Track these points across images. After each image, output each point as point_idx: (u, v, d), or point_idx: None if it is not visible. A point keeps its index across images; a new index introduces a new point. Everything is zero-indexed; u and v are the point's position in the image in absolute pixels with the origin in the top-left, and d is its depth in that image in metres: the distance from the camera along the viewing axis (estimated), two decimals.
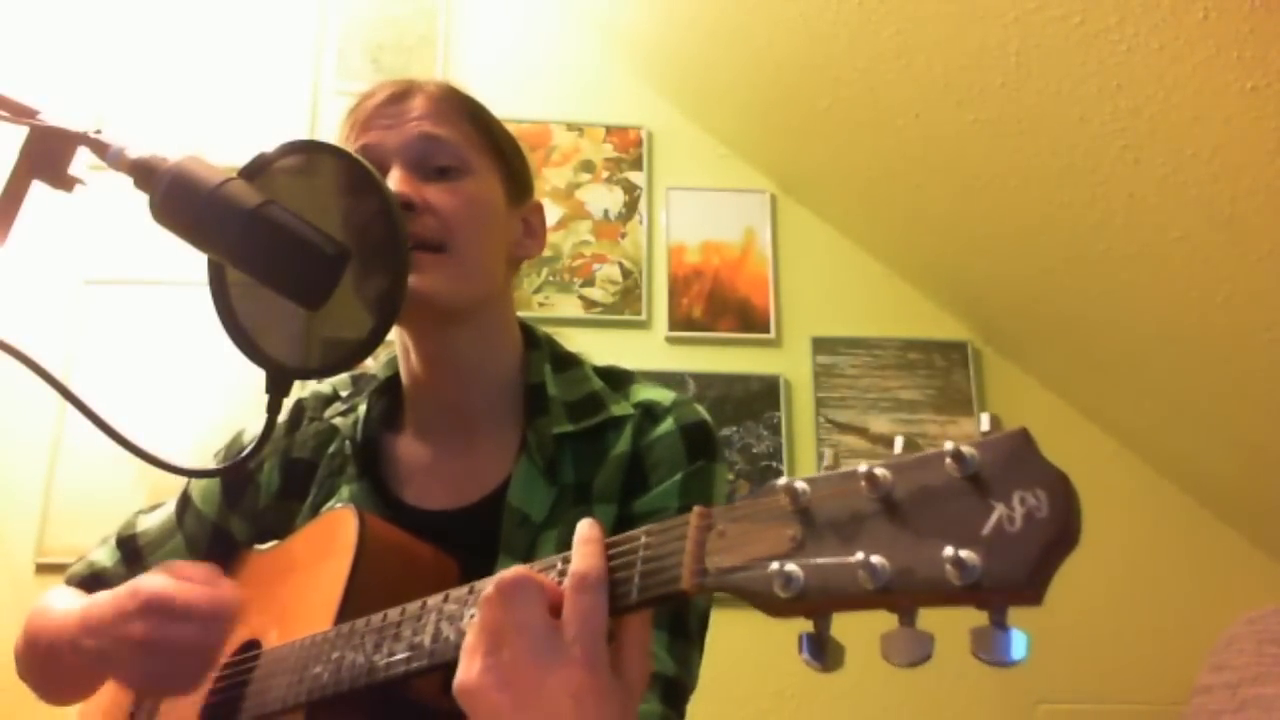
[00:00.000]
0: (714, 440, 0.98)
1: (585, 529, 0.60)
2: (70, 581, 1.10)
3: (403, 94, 0.98)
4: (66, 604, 0.98)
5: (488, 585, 0.60)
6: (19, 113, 0.71)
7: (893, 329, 2.66)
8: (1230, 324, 2.02)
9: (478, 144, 0.99)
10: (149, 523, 1.11)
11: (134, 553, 1.10)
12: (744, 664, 2.23)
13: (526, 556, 0.91)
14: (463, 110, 0.99)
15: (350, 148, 0.97)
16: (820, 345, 2.62)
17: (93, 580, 1.09)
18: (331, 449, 1.04)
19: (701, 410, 1.00)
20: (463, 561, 0.90)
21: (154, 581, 0.84)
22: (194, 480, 1.11)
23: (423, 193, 0.93)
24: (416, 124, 0.96)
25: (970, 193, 2.26)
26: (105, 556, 1.11)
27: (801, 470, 2.51)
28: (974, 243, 2.43)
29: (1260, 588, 2.45)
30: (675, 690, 0.88)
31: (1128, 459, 2.60)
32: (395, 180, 0.92)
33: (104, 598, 0.89)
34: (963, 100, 2.03)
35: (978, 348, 2.68)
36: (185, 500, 1.10)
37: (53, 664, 0.96)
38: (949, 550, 0.44)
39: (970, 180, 2.22)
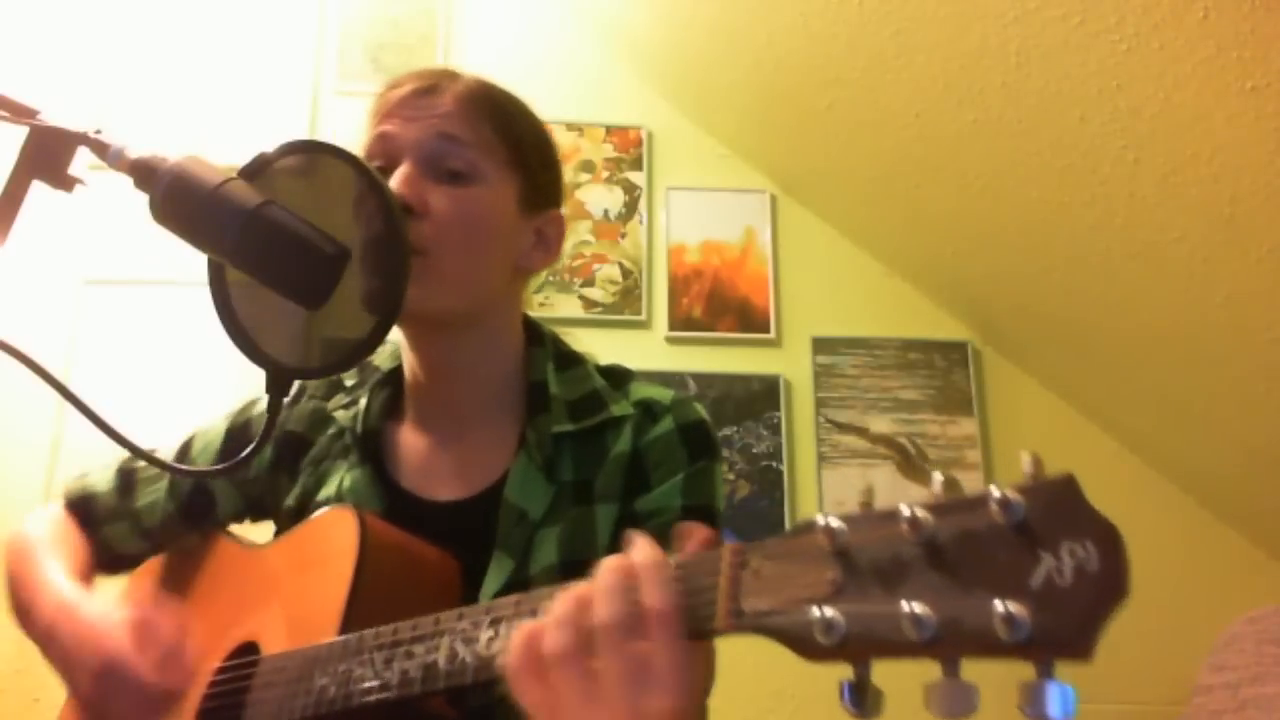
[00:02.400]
0: (713, 439, 0.98)
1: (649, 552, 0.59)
2: (66, 498, 1.13)
3: (431, 89, 0.97)
4: (47, 582, 0.99)
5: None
6: (19, 113, 0.71)
7: (893, 329, 2.66)
8: (1230, 324, 2.02)
9: (497, 149, 0.97)
10: None
11: (129, 484, 1.11)
12: (744, 664, 2.23)
13: (523, 553, 0.91)
14: (488, 113, 0.98)
15: (369, 134, 0.97)
16: (820, 345, 2.62)
17: (83, 502, 1.11)
18: (330, 430, 1.05)
19: (700, 409, 0.99)
20: (459, 555, 0.90)
21: (116, 644, 0.88)
22: (199, 428, 1.14)
23: (426, 194, 0.92)
24: (437, 121, 0.94)
25: (970, 193, 2.25)
26: (102, 481, 1.12)
27: (801, 471, 2.51)
28: (974, 243, 2.43)
29: (1260, 588, 2.44)
30: None
31: (1128, 459, 2.60)
32: (402, 176, 0.92)
33: (80, 620, 0.92)
34: (963, 100, 2.03)
35: (978, 348, 2.68)
36: (187, 446, 1.13)
37: (25, 620, 1.00)
38: (997, 604, 0.42)
39: (970, 180, 2.22)
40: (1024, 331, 2.59)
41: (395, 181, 0.91)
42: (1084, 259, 2.17)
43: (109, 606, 0.94)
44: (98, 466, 1.15)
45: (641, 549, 0.59)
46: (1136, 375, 2.36)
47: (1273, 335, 1.97)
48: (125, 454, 1.13)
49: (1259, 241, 1.82)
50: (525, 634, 0.59)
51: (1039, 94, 1.88)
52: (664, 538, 0.91)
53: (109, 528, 1.11)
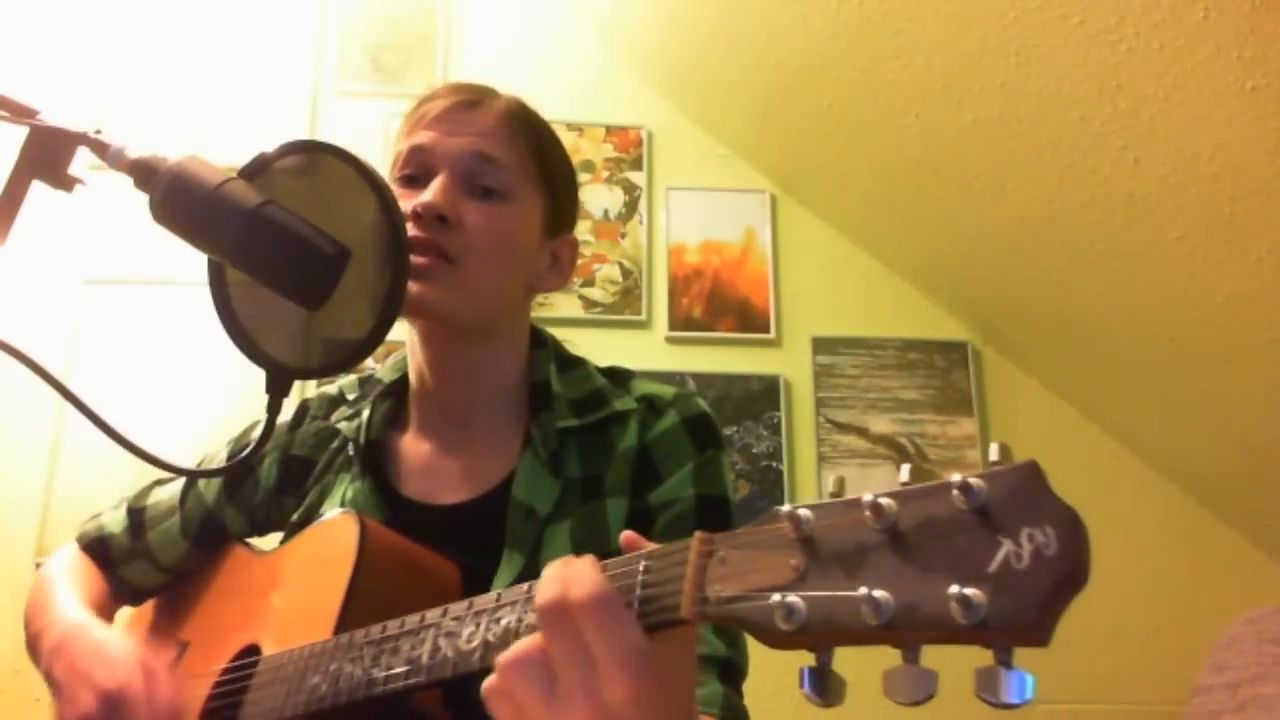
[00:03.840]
0: (717, 430, 1.00)
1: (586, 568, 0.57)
2: (80, 541, 1.14)
3: (472, 104, 0.99)
4: (60, 608, 1.00)
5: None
6: (19, 113, 0.71)
7: (893, 329, 2.66)
8: (1230, 324, 2.02)
9: (530, 172, 0.99)
10: (159, 496, 1.14)
11: (139, 525, 1.13)
12: None
13: (533, 550, 0.91)
14: (525, 135, 1.00)
15: (403, 143, 0.99)
16: (820, 345, 2.62)
17: (99, 544, 1.13)
18: (333, 444, 1.06)
19: (702, 402, 1.01)
20: (468, 556, 0.90)
21: (128, 676, 0.87)
22: (205, 455, 1.16)
23: (460, 207, 0.94)
24: (476, 139, 0.97)
25: (970, 193, 2.25)
26: (115, 523, 1.14)
27: (801, 471, 2.51)
28: (974, 243, 2.43)
29: (1260, 588, 2.44)
30: (731, 670, 0.89)
31: (1128, 459, 2.60)
32: (439, 187, 0.94)
33: (90, 639, 0.92)
34: (963, 100, 2.03)
35: (978, 348, 2.68)
36: (192, 481, 1.13)
37: (34, 646, 1.01)
38: (954, 588, 0.42)
39: (970, 180, 2.22)
40: (1024, 331, 2.59)
41: (432, 191, 0.93)
42: (1084, 259, 2.17)
43: (118, 633, 0.95)
44: (107, 507, 1.17)
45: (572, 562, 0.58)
46: (1136, 375, 2.36)
47: (1273, 335, 1.97)
48: (131, 490, 1.16)
49: (1259, 241, 1.82)
50: (500, 662, 0.58)
51: (1039, 94, 1.88)
52: (679, 528, 0.92)
53: (126, 568, 1.13)
